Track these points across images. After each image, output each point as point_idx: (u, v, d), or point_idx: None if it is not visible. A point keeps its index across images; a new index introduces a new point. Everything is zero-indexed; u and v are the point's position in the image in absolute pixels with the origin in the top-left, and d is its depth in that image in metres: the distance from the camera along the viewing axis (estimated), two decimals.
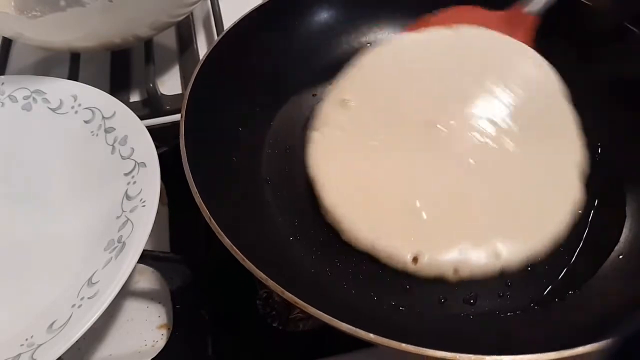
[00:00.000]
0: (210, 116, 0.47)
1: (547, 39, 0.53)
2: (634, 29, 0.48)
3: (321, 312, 0.32)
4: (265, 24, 0.54)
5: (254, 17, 0.53)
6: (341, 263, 0.42)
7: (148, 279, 0.46)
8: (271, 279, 0.33)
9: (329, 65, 0.55)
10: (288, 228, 0.44)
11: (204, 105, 0.46)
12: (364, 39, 0.58)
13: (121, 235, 0.40)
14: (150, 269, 0.45)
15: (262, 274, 0.33)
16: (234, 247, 0.35)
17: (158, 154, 0.44)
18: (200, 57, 0.49)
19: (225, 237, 0.35)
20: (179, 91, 0.62)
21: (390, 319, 0.38)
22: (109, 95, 0.50)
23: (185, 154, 0.40)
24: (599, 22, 0.50)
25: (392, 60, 0.53)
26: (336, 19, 0.57)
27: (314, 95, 0.54)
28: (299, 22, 0.56)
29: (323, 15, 0.57)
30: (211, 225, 0.36)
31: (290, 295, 0.32)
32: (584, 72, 0.50)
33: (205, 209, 0.37)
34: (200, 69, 0.48)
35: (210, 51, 0.49)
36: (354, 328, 0.31)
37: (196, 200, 0.38)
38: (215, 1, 0.69)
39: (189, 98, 0.45)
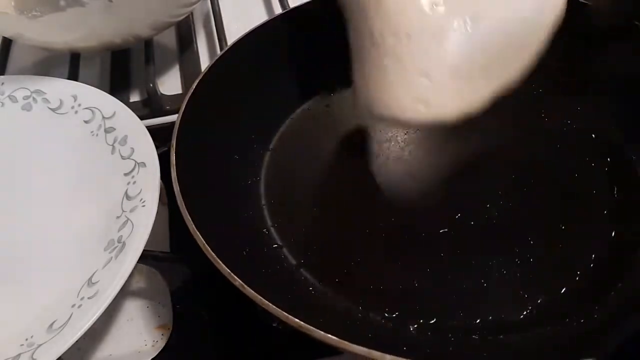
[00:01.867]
0: (203, 145, 0.46)
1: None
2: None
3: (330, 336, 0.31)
4: (267, 42, 0.54)
5: (256, 36, 0.53)
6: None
7: (148, 279, 0.46)
8: (282, 309, 0.32)
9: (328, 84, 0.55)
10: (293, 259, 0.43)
11: (197, 132, 0.46)
12: None
13: (121, 235, 0.40)
14: (151, 269, 0.45)
15: (272, 305, 0.32)
16: (244, 284, 0.33)
17: (158, 154, 0.44)
18: (202, 68, 0.49)
19: (230, 272, 0.34)
20: (179, 91, 0.62)
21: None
22: (109, 95, 0.50)
23: (178, 187, 0.39)
24: (599, 21, 0.50)
25: None
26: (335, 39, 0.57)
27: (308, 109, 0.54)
28: (300, 42, 0.55)
29: (323, 35, 0.55)
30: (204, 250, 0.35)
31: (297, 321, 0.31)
32: (584, 72, 0.50)
33: (209, 249, 0.36)
34: (195, 86, 0.47)
35: (205, 72, 0.49)
36: (367, 349, 0.30)
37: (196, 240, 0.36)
38: (216, 1, 0.69)
39: (181, 122, 0.45)
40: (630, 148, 0.47)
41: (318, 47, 0.54)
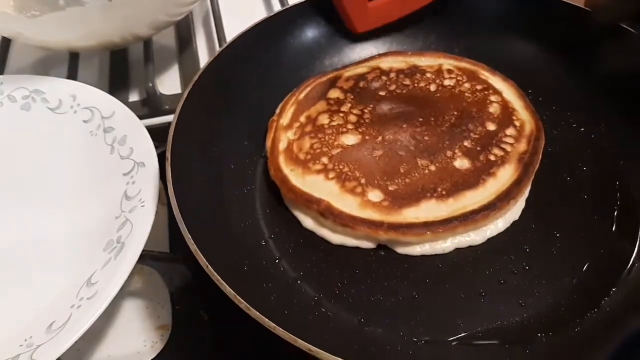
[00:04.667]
0: (198, 150, 0.45)
1: (546, 45, 0.54)
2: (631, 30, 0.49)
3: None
4: (259, 42, 0.53)
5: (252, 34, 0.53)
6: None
7: (147, 280, 0.46)
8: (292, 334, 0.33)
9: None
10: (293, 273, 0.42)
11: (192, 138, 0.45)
12: (346, 59, 0.57)
13: (120, 236, 0.40)
14: (150, 269, 0.45)
15: (279, 328, 0.33)
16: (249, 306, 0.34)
17: (157, 154, 0.44)
18: (199, 69, 0.49)
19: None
20: (178, 91, 0.62)
21: None
22: (108, 95, 0.50)
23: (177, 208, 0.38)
24: (597, 25, 0.51)
25: None
26: (325, 40, 0.57)
27: None
28: (290, 41, 0.56)
29: (313, 35, 0.57)
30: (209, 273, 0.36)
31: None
32: (584, 74, 0.51)
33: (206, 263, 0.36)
34: (193, 85, 0.47)
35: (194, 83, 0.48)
36: None
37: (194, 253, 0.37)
38: (215, 0, 0.69)
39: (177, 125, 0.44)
40: (622, 155, 0.47)
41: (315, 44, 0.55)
